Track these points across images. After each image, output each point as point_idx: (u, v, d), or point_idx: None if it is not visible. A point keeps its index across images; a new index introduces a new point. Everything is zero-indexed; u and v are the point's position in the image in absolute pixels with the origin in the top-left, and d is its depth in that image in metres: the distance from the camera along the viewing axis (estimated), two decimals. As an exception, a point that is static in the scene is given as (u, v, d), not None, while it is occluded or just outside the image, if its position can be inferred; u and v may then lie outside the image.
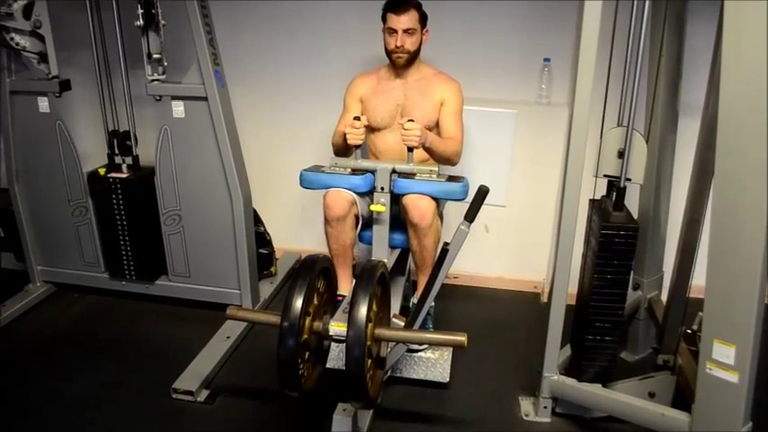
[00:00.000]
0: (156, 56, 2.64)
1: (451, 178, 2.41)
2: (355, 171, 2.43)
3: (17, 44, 2.67)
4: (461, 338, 1.89)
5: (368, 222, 2.51)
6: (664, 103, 2.32)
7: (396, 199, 2.42)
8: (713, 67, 2.14)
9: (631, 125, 1.97)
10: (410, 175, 2.39)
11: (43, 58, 2.73)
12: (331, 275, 2.08)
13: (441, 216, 2.60)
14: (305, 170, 2.48)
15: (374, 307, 1.85)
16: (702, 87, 2.23)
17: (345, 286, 2.62)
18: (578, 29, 1.87)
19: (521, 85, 3.04)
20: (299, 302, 1.77)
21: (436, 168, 2.41)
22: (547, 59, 2.94)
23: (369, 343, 1.79)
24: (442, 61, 2.81)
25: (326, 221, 2.47)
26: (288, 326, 1.75)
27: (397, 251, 2.70)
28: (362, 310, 1.75)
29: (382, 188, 2.38)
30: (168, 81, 2.71)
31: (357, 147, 2.42)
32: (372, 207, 2.40)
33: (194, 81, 2.63)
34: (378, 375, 2.01)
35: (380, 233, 2.47)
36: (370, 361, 1.84)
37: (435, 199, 2.40)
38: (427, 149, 2.47)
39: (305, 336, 1.81)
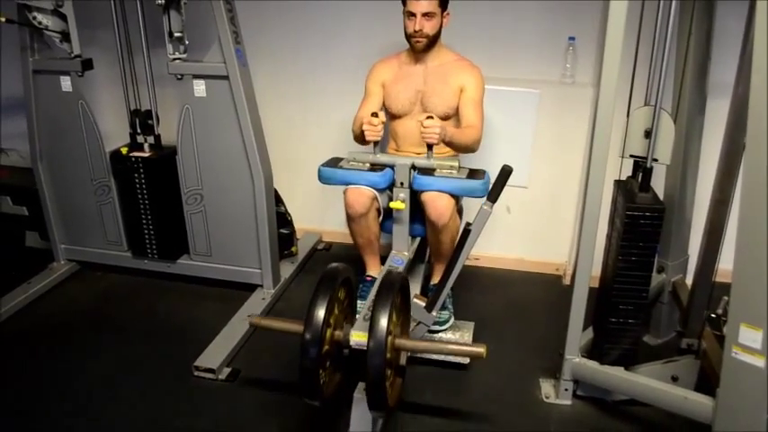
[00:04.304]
0: (177, 34, 2.63)
1: (472, 172, 2.37)
2: (374, 165, 2.41)
3: (39, 23, 2.67)
4: (480, 350, 1.92)
5: (389, 213, 2.49)
6: (692, 82, 2.26)
7: (415, 191, 2.40)
8: (744, 47, 2.09)
9: (659, 104, 1.92)
10: (430, 171, 2.36)
11: (65, 37, 2.73)
12: (351, 284, 2.10)
13: (460, 211, 2.57)
14: (323, 165, 2.46)
15: (394, 318, 1.87)
16: (731, 67, 2.18)
17: (375, 269, 2.65)
18: (605, 7, 1.83)
19: (544, 65, 2.98)
20: (320, 314, 1.80)
21: (456, 163, 2.37)
22: (572, 38, 2.88)
23: (389, 355, 1.82)
24: (464, 39, 2.77)
25: (349, 218, 2.47)
26: (310, 337, 1.78)
27: (418, 239, 2.68)
28: (383, 322, 1.77)
29: (402, 183, 2.36)
30: (190, 60, 2.70)
31: (376, 143, 2.40)
32: (392, 204, 2.38)
33: (216, 60, 2.61)
34: (397, 383, 2.04)
35: (400, 228, 2.46)
36: (390, 371, 1.86)
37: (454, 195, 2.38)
38: (447, 143, 2.44)
39: (326, 347, 1.85)
